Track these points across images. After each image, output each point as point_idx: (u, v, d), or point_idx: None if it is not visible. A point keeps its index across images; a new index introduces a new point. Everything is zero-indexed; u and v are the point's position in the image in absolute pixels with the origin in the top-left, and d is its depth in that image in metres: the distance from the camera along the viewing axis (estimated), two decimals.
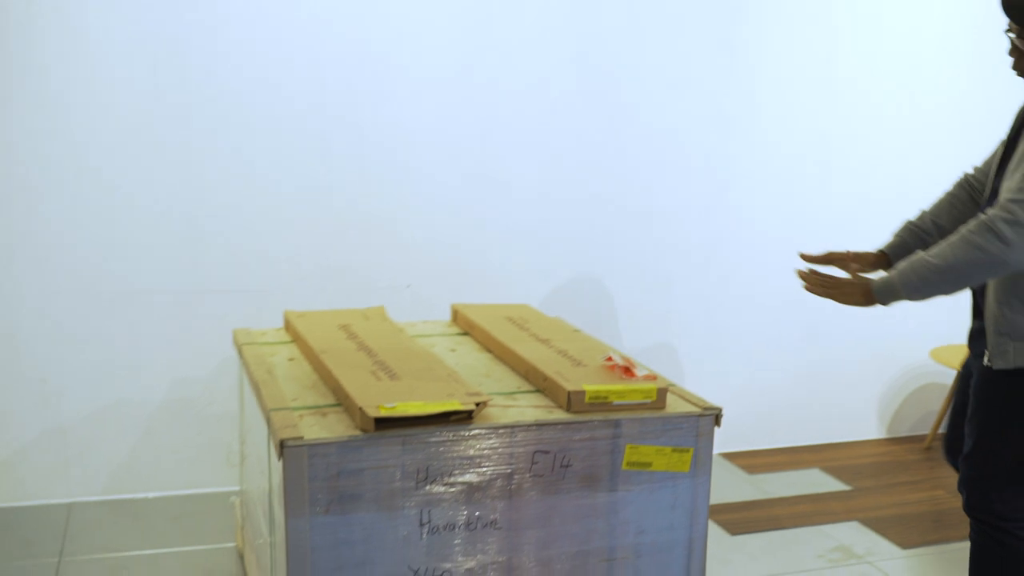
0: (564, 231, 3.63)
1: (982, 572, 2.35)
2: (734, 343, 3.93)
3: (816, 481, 3.68)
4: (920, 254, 2.16)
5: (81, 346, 3.20)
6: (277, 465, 2.01)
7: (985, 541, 2.32)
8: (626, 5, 3.52)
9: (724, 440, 3.75)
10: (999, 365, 2.19)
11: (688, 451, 2.25)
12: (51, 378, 3.19)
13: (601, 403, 2.19)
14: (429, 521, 2.08)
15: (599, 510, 2.21)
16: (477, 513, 2.12)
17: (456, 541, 2.11)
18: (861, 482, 3.68)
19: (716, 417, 2.26)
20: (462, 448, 2.08)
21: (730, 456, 3.89)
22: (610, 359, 2.39)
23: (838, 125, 3.94)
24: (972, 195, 2.45)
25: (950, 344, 4.13)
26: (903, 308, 4.04)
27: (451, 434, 2.06)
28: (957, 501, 3.50)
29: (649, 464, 2.23)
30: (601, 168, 3.63)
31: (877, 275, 2.29)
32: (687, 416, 2.24)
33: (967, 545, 2.41)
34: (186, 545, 2.97)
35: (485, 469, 2.10)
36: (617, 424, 2.18)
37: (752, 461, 3.83)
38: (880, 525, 3.28)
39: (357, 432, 2.01)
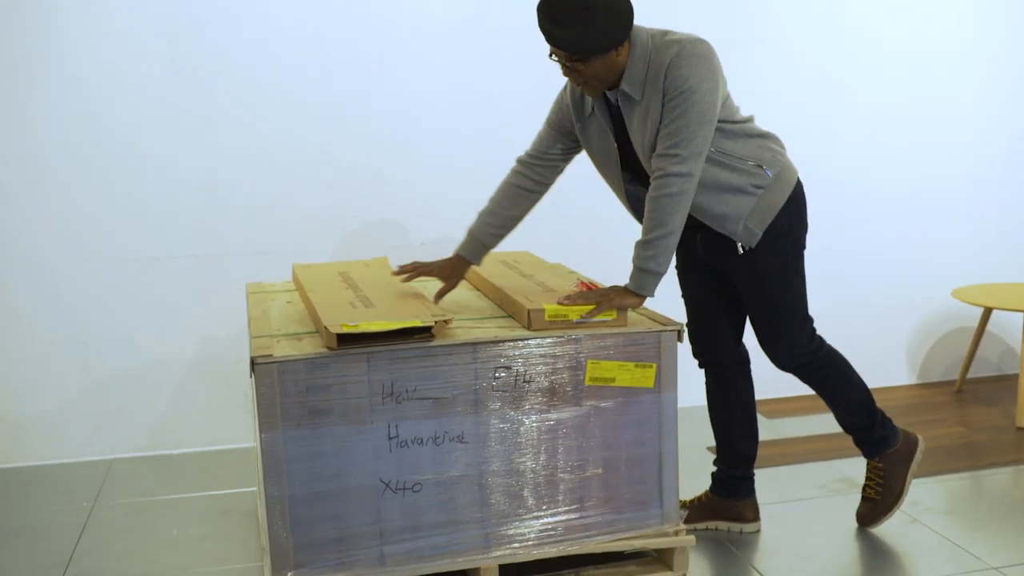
0: (576, 186, 3.72)
1: (835, 397, 2.71)
2: None
3: (835, 423, 3.68)
4: (641, 238, 2.32)
5: (115, 309, 3.41)
6: (252, 383, 2.17)
7: (823, 372, 2.66)
8: None
9: None
10: (752, 243, 2.44)
11: (651, 366, 2.33)
12: (90, 340, 3.42)
13: (561, 321, 2.29)
14: (397, 435, 2.21)
15: (565, 424, 2.31)
16: (444, 428, 2.24)
17: (425, 455, 2.23)
18: None
19: (679, 333, 2.34)
20: (425, 365, 2.20)
21: None
22: (581, 283, 2.48)
23: (845, 70, 3.95)
24: (535, 177, 2.55)
25: (971, 284, 4.10)
26: (924, 248, 4.06)
27: (414, 350, 2.18)
28: (976, 436, 3.50)
29: (612, 380, 2.32)
30: None
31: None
32: (648, 333, 2.32)
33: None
34: (210, 490, 3.15)
35: (448, 385, 2.22)
36: (577, 341, 2.28)
37: (774, 407, 3.86)
38: None
39: (324, 350, 2.14)
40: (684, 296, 2.69)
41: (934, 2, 4.01)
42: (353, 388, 2.16)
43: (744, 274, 2.52)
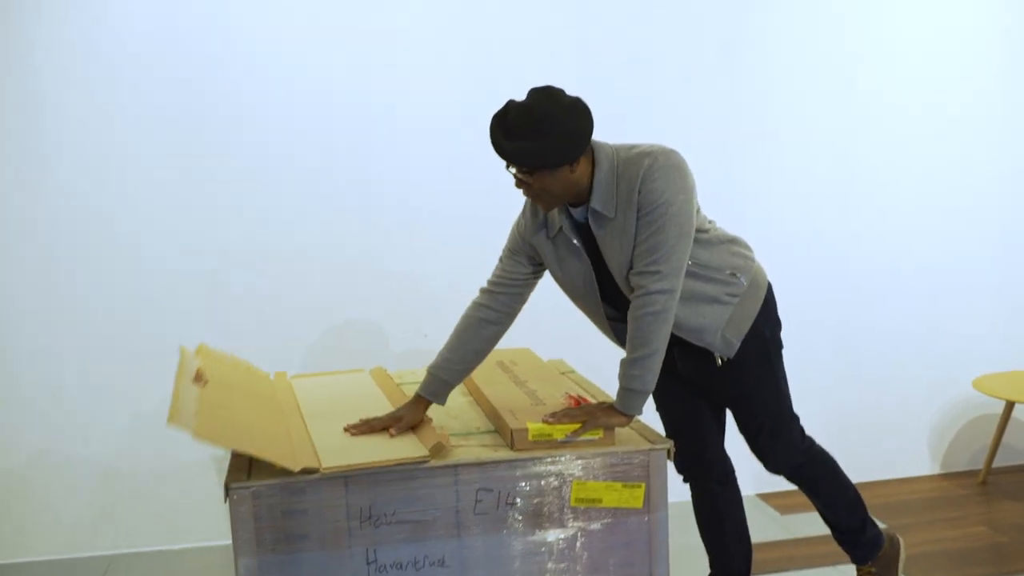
0: None
1: (829, 496, 2.66)
2: None
3: None
4: (625, 358, 2.26)
5: (119, 400, 3.41)
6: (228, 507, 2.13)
7: (815, 471, 2.62)
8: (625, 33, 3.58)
9: (759, 481, 3.70)
10: (731, 353, 2.40)
11: (639, 486, 2.27)
12: (90, 430, 3.41)
13: (546, 440, 2.23)
14: (375, 560, 2.16)
15: (551, 547, 2.24)
16: (424, 553, 2.18)
17: None
18: (899, 519, 3.57)
19: (668, 451, 2.28)
20: (406, 487, 2.15)
21: (765, 497, 3.83)
22: (569, 396, 2.43)
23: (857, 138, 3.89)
24: (498, 308, 2.43)
25: (995, 372, 3.99)
26: (946, 328, 3.95)
27: (395, 472, 2.14)
28: (1000, 537, 3.37)
29: (599, 500, 2.25)
30: None
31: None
32: (636, 452, 2.26)
33: None
34: None
35: (429, 507, 2.17)
36: (562, 461, 2.22)
37: (787, 502, 3.75)
38: (908, 563, 3.18)
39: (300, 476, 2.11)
40: (660, 412, 2.63)
41: (955, 69, 3.94)
42: (330, 513, 2.12)
43: (728, 385, 2.47)
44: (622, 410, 2.26)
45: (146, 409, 3.42)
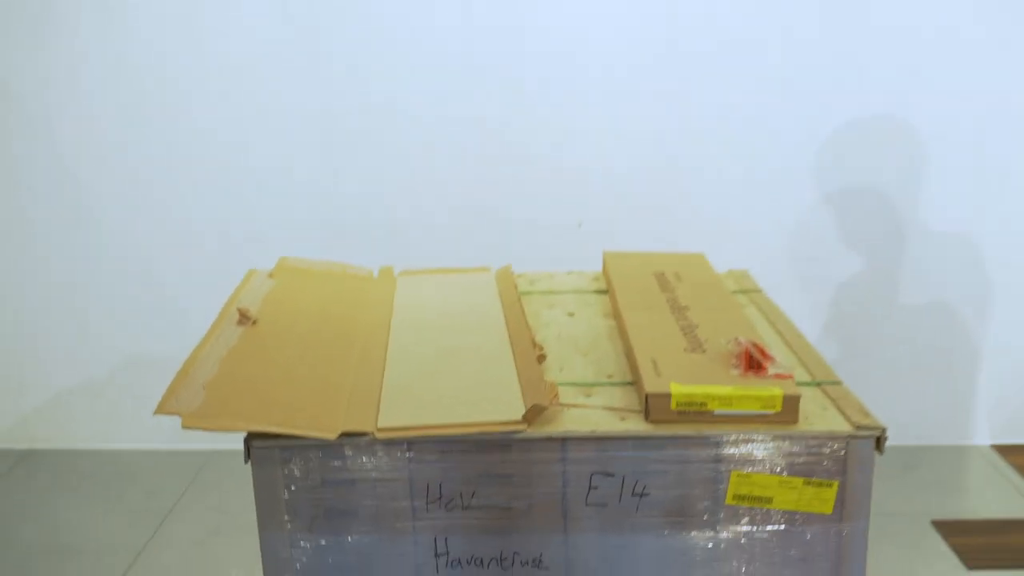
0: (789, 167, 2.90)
1: None
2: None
3: None
4: None
5: None
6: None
7: None
8: None
9: (1002, 428, 2.91)
10: None
11: (831, 486, 1.57)
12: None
13: (696, 411, 1.56)
14: (447, 552, 1.58)
15: (690, 557, 1.60)
16: (515, 548, 1.59)
17: None
18: None
19: (878, 440, 1.56)
20: (491, 462, 1.54)
21: (1005, 451, 3.02)
22: (739, 342, 1.73)
23: None
24: None
25: None
26: None
27: (475, 443, 1.53)
28: None
29: (768, 500, 1.58)
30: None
31: None
32: (830, 436, 1.55)
33: None
34: None
35: (524, 491, 1.56)
36: (718, 443, 1.55)
37: None
38: None
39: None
40: None
41: None
42: (387, 488, 1.55)
43: None
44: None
45: None
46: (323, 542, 1.56)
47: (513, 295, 2.09)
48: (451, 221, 2.96)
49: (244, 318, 1.85)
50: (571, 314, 2.09)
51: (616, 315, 2.00)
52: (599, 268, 2.34)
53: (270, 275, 2.16)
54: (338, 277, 2.24)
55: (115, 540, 2.68)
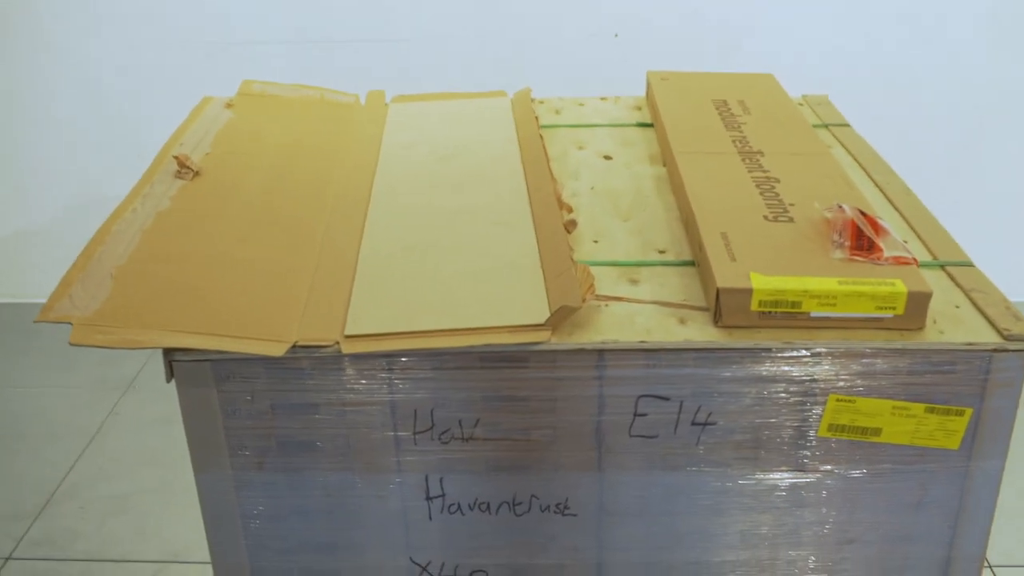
0: None
1: None
2: None
3: None
4: None
5: None
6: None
7: None
8: None
9: None
10: None
11: (962, 414, 1.15)
12: None
13: (786, 313, 1.13)
14: (442, 494, 1.19)
15: (774, 500, 1.20)
16: (532, 490, 1.20)
17: (493, 529, 1.22)
18: None
19: None
20: (500, 380, 1.13)
21: None
22: (841, 209, 1.26)
23: None
24: None
25: None
26: None
27: (479, 355, 1.12)
28: None
29: (876, 432, 1.17)
30: None
31: None
32: (968, 349, 1.12)
33: None
34: None
35: (543, 416, 1.15)
36: (815, 356, 1.12)
37: None
38: None
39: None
40: None
41: None
42: (359, 414, 1.14)
43: None
44: None
45: None
46: (278, 482, 1.18)
47: (533, 130, 1.63)
48: (456, 31, 2.46)
49: (183, 169, 1.41)
50: (607, 157, 1.63)
51: (668, 160, 1.54)
52: (642, 93, 1.87)
53: (228, 104, 1.71)
54: (314, 105, 1.78)
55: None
